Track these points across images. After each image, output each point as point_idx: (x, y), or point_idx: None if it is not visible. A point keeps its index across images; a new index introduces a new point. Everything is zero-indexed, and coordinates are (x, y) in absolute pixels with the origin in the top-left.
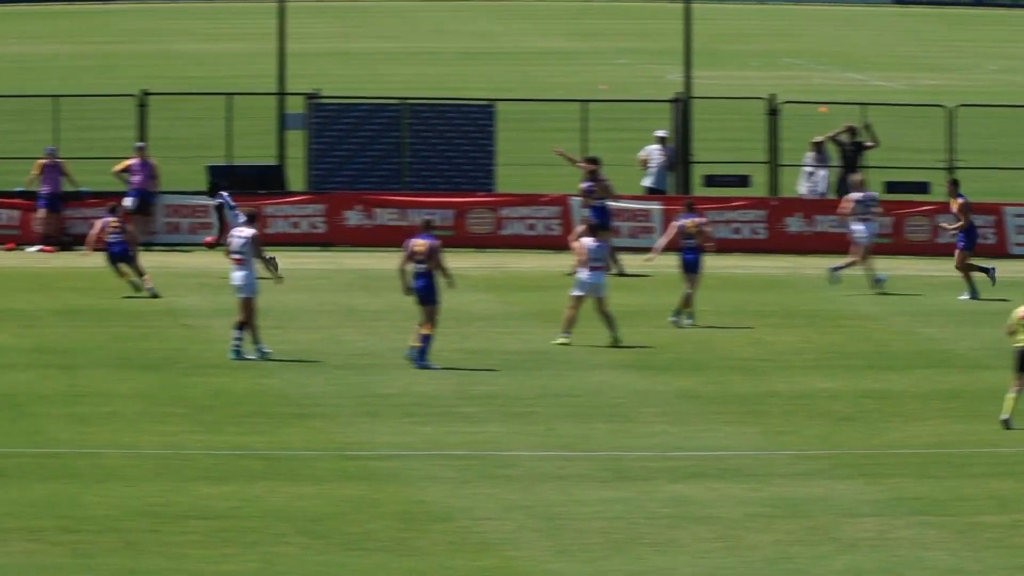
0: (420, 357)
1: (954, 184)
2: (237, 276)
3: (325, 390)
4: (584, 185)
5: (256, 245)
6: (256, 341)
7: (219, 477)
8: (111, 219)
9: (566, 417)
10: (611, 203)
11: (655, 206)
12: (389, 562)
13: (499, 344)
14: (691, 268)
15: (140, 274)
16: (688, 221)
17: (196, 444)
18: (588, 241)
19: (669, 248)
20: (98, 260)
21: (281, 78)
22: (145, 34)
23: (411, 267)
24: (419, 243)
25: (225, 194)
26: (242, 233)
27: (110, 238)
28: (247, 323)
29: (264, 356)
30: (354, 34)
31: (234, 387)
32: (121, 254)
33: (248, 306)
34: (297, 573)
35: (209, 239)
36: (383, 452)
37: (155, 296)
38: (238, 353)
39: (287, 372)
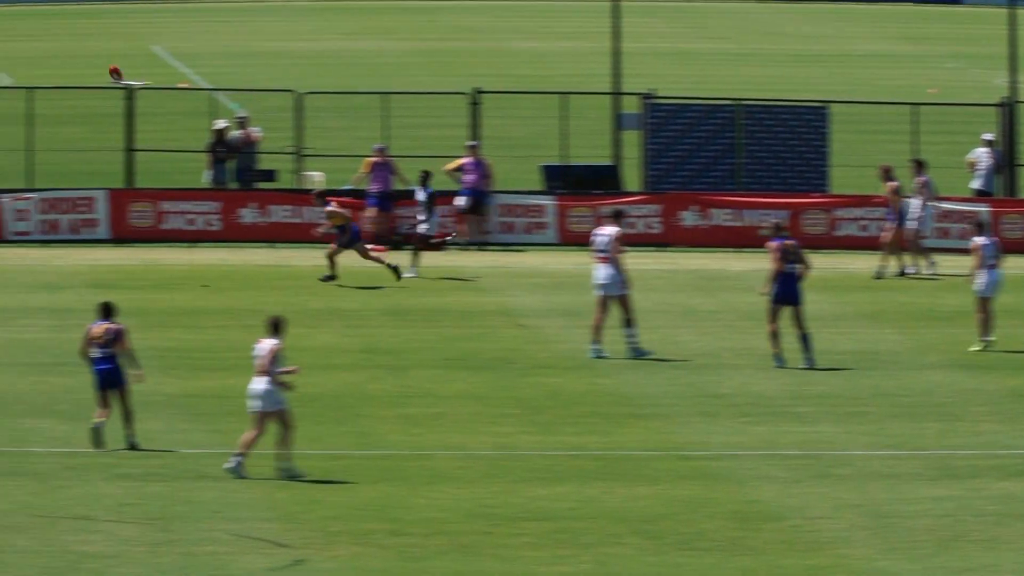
0: (808, 360)
1: None
2: (601, 274)
3: (662, 390)
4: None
5: (619, 243)
6: (595, 341)
7: (554, 478)
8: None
9: (897, 416)
10: (934, 204)
11: (984, 208)
12: (722, 562)
13: (833, 344)
14: None
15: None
16: None
17: (530, 445)
18: (981, 240)
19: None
20: (430, 259)
21: (616, 77)
22: (476, 31)
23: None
24: (790, 244)
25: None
26: (604, 231)
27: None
28: (630, 319)
29: (599, 355)
30: (686, 34)
31: (570, 387)
32: (355, 236)
33: (625, 303)
34: (631, 574)
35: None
36: (718, 452)
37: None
38: (638, 352)
39: (623, 372)
